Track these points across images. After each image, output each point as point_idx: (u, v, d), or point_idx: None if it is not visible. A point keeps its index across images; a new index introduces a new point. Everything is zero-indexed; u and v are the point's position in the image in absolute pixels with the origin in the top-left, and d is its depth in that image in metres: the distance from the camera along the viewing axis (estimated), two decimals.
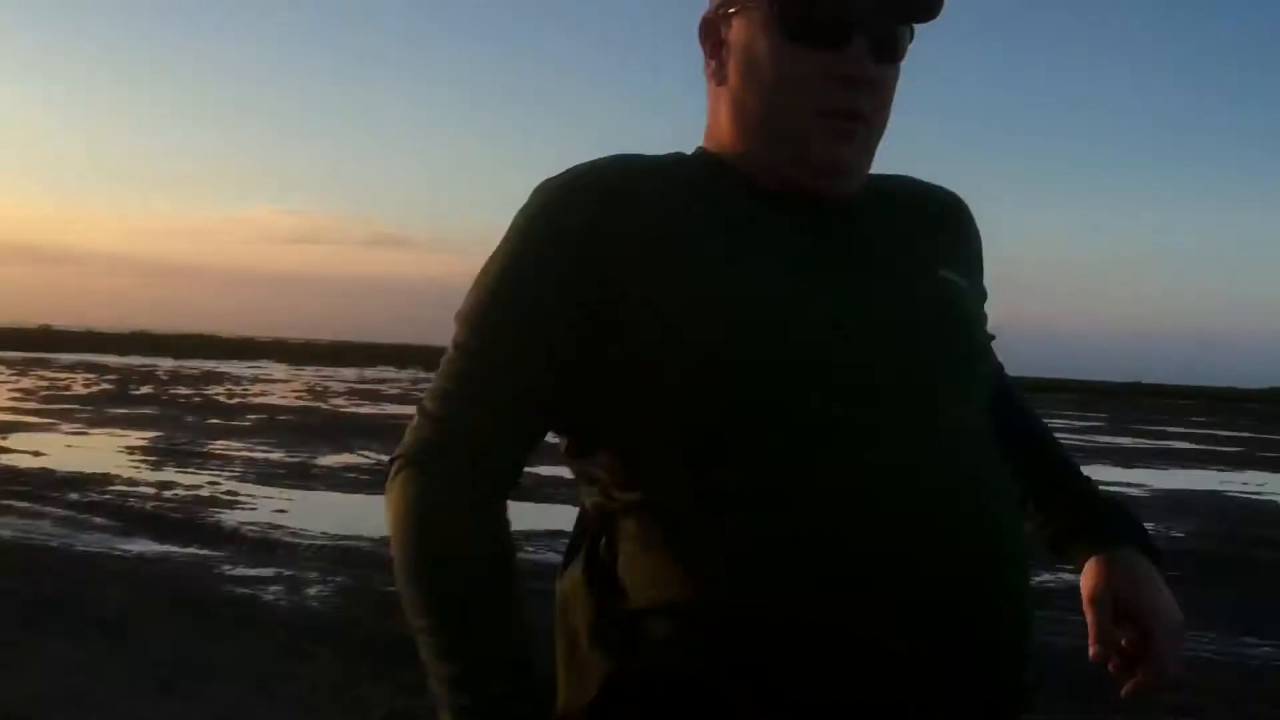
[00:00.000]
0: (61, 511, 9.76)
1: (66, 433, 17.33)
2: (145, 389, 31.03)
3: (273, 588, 7.15)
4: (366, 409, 27.22)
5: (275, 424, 20.72)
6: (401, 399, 32.55)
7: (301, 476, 13.18)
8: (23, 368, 41.52)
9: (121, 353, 66.33)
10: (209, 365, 54.92)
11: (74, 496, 10.54)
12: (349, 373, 54.64)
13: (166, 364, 53.52)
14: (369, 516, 10.63)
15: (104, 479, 11.87)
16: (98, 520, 9.46)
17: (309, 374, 50.73)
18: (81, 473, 12.23)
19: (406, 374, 56.99)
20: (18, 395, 26.02)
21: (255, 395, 30.71)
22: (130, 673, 5.19)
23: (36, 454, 14.01)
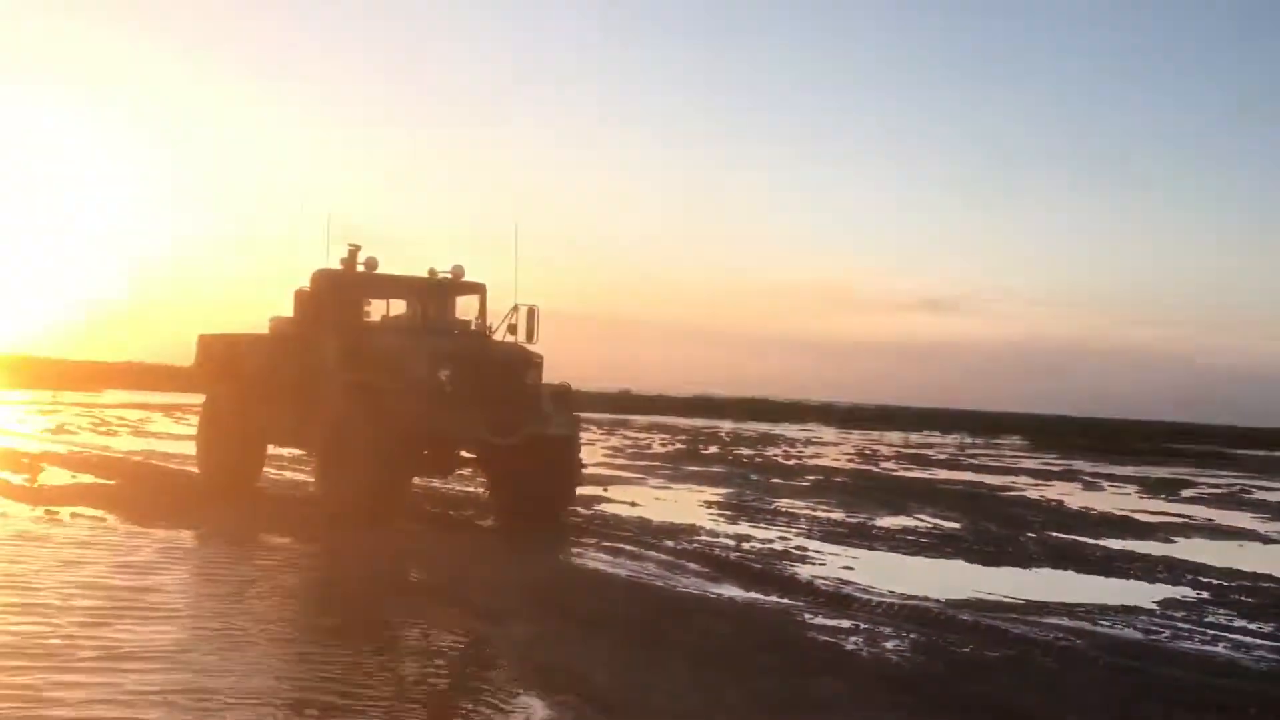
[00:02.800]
0: (661, 556, 11.09)
1: (653, 487, 19.48)
2: (712, 449, 33.79)
3: (853, 638, 7.65)
4: (916, 473, 27.49)
5: (831, 485, 21.67)
6: (949, 464, 32.42)
7: (863, 536, 13.74)
8: (609, 428, 47.05)
9: (687, 415, 72.59)
10: (764, 427, 58.36)
11: (669, 544, 11.91)
12: (894, 436, 55.31)
13: (726, 425, 57.70)
14: (934, 579, 10.89)
15: (691, 529, 13.25)
16: (692, 566, 10.63)
17: (856, 437, 52.07)
18: (672, 523, 13.74)
19: (952, 439, 56.46)
20: (609, 452, 29.60)
21: (810, 457, 32.20)
22: (742, 699, 5.89)
23: (633, 504, 15.96)
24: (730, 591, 9.39)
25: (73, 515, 11.34)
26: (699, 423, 60.21)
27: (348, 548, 10.45)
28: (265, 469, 15.50)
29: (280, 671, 6.12)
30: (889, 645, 7.48)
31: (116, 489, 13.90)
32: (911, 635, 7.79)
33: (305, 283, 13.73)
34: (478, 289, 14.33)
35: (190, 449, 17.98)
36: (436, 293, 14.29)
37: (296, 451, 16.14)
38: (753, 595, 9.27)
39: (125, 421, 29.27)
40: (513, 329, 13.78)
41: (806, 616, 8.39)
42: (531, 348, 13.49)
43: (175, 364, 65.57)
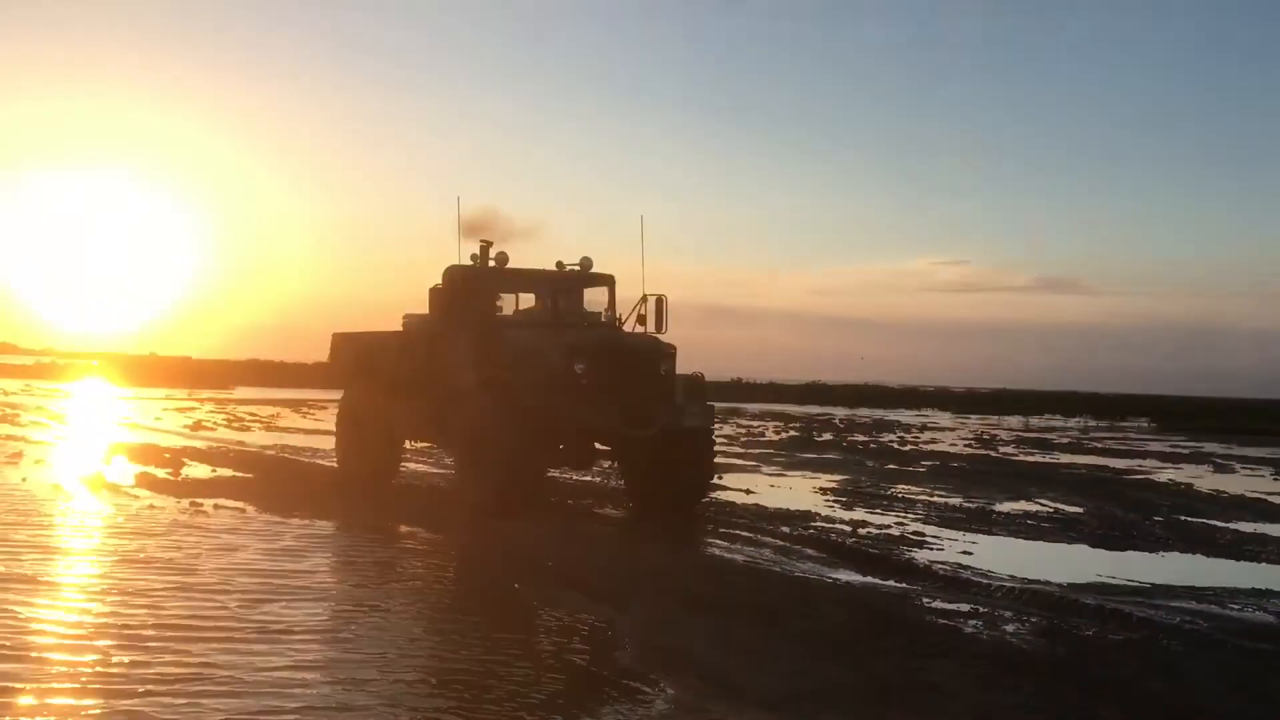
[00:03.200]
0: (777, 542, 11.18)
1: (768, 474, 19.54)
2: (826, 436, 33.60)
3: (971, 622, 7.64)
4: (1037, 457, 26.94)
5: (949, 470, 21.40)
6: (1072, 448, 31.65)
7: (981, 521, 13.60)
8: (722, 417, 47.10)
9: (800, 402, 72.11)
10: (879, 413, 57.69)
11: (785, 529, 11.99)
12: (1014, 420, 54.12)
13: (840, 412, 57.19)
14: (1056, 562, 10.77)
15: (806, 515, 13.30)
16: (808, 551, 10.70)
17: (974, 422, 51.12)
18: (787, 509, 13.80)
19: (1074, 423, 54.99)
20: (723, 441, 29.67)
21: (926, 443, 31.78)
22: (860, 679, 5.98)
23: (748, 492, 16.05)
24: (846, 576, 9.43)
25: (215, 506, 11.97)
26: (812, 410, 59.83)
27: (482, 537, 10.78)
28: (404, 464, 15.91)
29: (422, 645, 6.57)
30: (1009, 629, 7.46)
31: (254, 482, 14.56)
32: (1032, 619, 7.74)
33: (436, 279, 13.96)
34: (607, 280, 14.41)
35: (320, 443, 18.74)
36: (566, 285, 14.39)
37: (429, 446, 16.62)
38: (869, 580, 9.30)
39: (256, 417, 30.47)
40: (642, 319, 13.88)
41: (924, 600, 8.39)
42: (662, 338, 13.59)
43: (299, 361, 68.05)
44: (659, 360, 13.11)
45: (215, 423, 27.84)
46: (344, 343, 16.08)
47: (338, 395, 16.46)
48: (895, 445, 29.77)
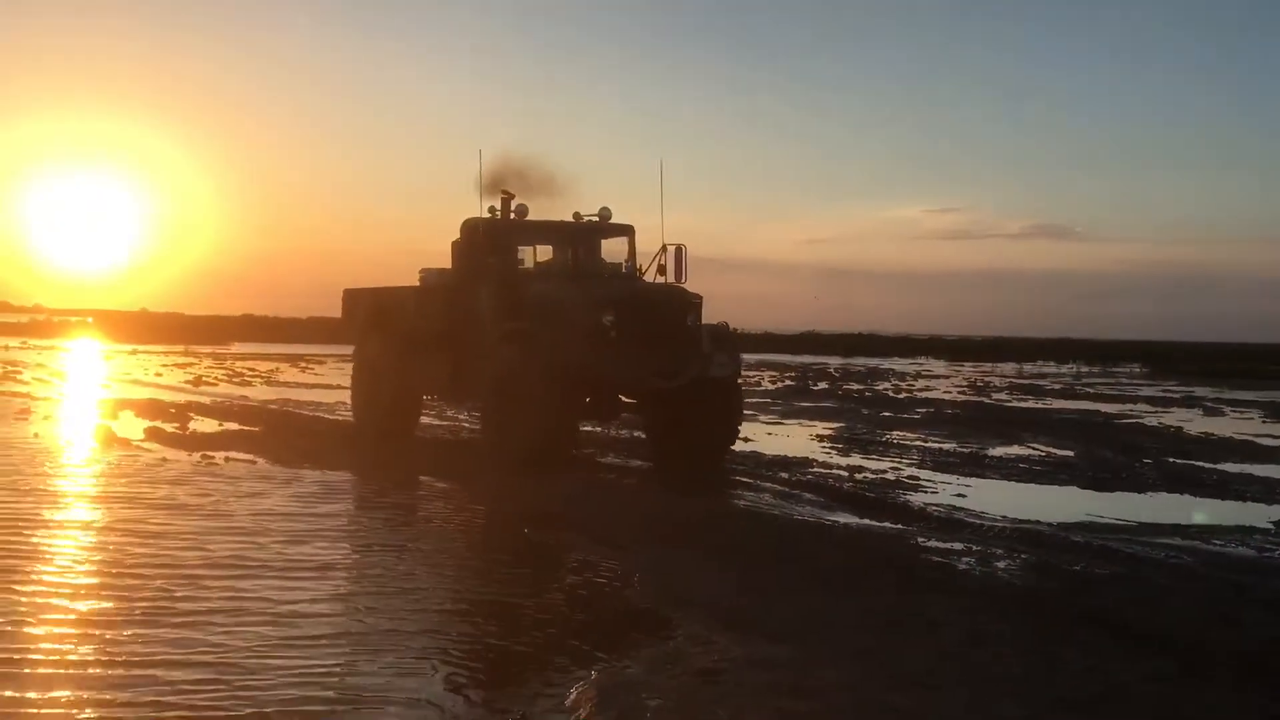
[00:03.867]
0: (776, 487, 11.49)
1: (765, 422, 19.82)
2: (822, 384, 33.94)
3: (964, 559, 7.97)
4: (1030, 403, 27.31)
5: (943, 417, 21.74)
6: (1064, 394, 32.03)
7: (975, 465, 13.94)
8: None
9: (795, 352, 72.46)
10: (873, 362, 58.05)
11: (784, 475, 12.30)
12: (1007, 368, 54.54)
13: (835, 361, 57.54)
14: (1047, 503, 11.10)
15: (804, 462, 13.61)
16: (807, 496, 11.01)
17: (968, 369, 51.51)
18: (785, 456, 14.12)
19: (1067, 369, 55.42)
20: None
21: (920, 390, 32.14)
22: (858, 613, 6.29)
23: (745, 440, 16.27)
24: (844, 519, 9.75)
25: (226, 459, 12.24)
26: (807, 359, 60.14)
27: (500, 487, 11.03)
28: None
29: (451, 580, 7.12)
30: (1000, 565, 7.78)
31: (262, 435, 14.83)
32: (1023, 556, 8.06)
33: (454, 234, 13.91)
34: (626, 231, 14.32)
35: (323, 397, 18.98)
36: (585, 236, 14.25)
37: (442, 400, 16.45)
38: (866, 522, 9.61)
39: (256, 372, 30.68)
40: (662, 270, 13.76)
41: (919, 540, 8.71)
42: (688, 289, 13.44)
43: (293, 316, 68.10)
44: (686, 311, 12.99)
45: (216, 378, 28.06)
46: (357, 298, 16.02)
47: (337, 350, 16.64)
48: (890, 393, 30.12)
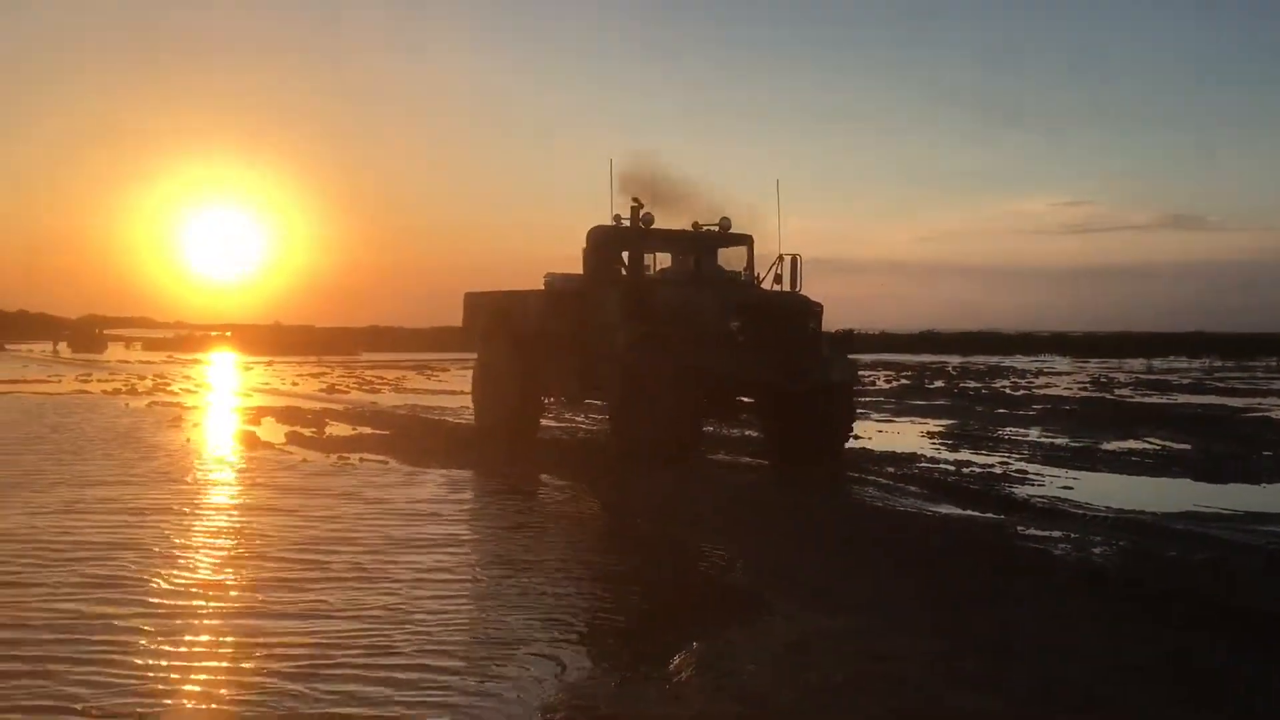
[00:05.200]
0: (882, 481, 11.79)
1: (876, 420, 20.01)
2: (937, 383, 33.73)
3: (1061, 545, 8.19)
4: (1154, 399, 26.77)
5: (1059, 413, 21.56)
6: (1192, 389, 31.22)
7: (1086, 459, 13.95)
8: None
9: (913, 352, 71.65)
10: (993, 360, 57.12)
11: (890, 469, 12.58)
12: (1136, 363, 53.09)
13: (954, 360, 56.81)
14: (1154, 495, 11.16)
15: (912, 457, 13.85)
16: (911, 489, 11.29)
17: (1092, 366, 50.33)
18: (893, 452, 14.36)
19: (1199, 364, 53.65)
20: None
21: (1039, 387, 31.71)
22: (946, 592, 6.63)
23: (856, 437, 16.53)
24: (946, 510, 10.02)
25: (361, 460, 13.09)
26: (925, 358, 59.50)
27: (619, 483, 11.62)
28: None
29: (567, 559, 7.74)
30: (1095, 551, 7.98)
31: (392, 438, 15.72)
32: (1120, 543, 8.24)
33: (570, 240, 14.89)
34: (745, 240, 14.85)
35: (447, 402, 19.88)
36: (707, 244, 14.92)
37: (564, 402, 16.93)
38: (968, 512, 9.87)
39: (384, 380, 32.01)
40: (778, 278, 14.30)
41: (1018, 528, 8.95)
42: (813, 298, 13.87)
43: (416, 326, 70.17)
44: (808, 317, 13.55)
45: (347, 386, 29.41)
46: (479, 302, 16.62)
47: (460, 357, 17.46)
48: (1007, 390, 29.82)
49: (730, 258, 15.07)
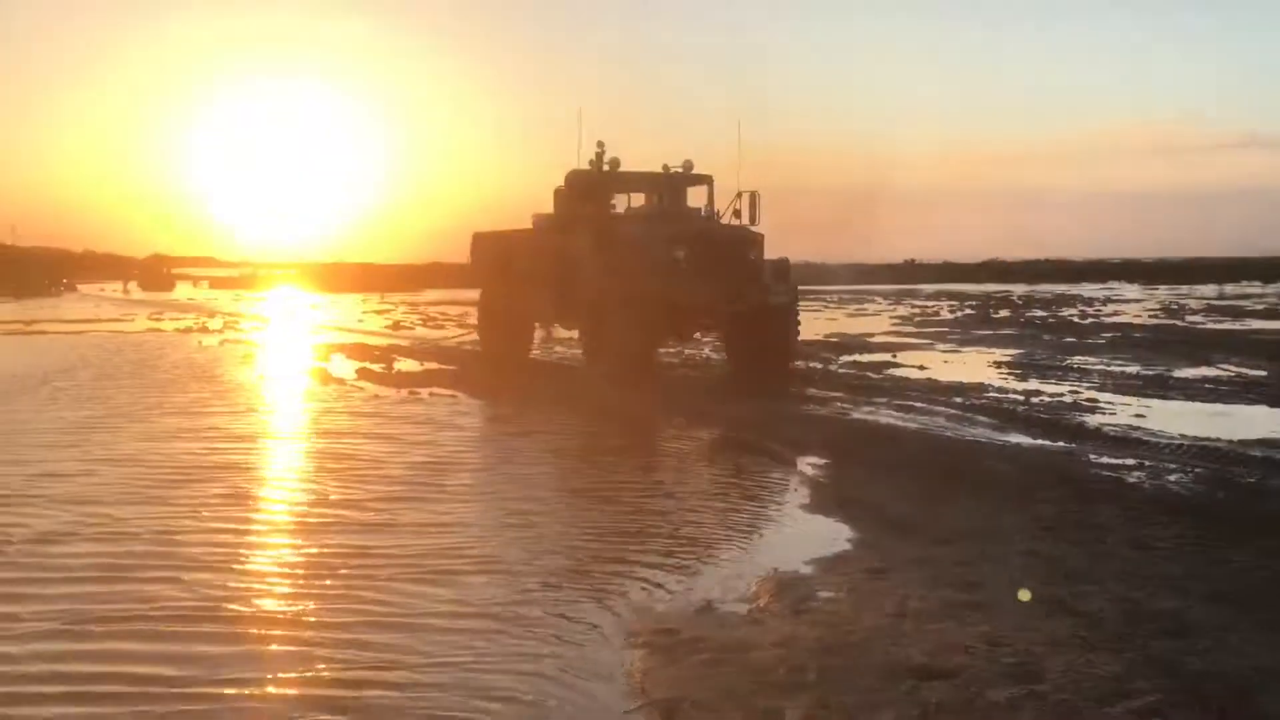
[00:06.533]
0: (950, 411, 11.73)
1: (942, 351, 19.87)
2: (1003, 313, 33.29)
3: (1135, 473, 8.14)
4: (1227, 324, 26.21)
5: (1129, 341, 21.22)
6: (1267, 314, 30.49)
7: (1158, 387, 13.76)
8: (895, 298, 46.93)
9: (977, 281, 70.63)
10: (1060, 289, 56.17)
11: (958, 400, 12.51)
12: (1208, 289, 51.89)
13: (1019, 289, 55.93)
14: (1229, 422, 10.99)
15: (979, 387, 13.74)
16: (980, 419, 11.22)
17: (1163, 293, 49.30)
18: (960, 382, 14.26)
19: (1273, 288, 52.30)
20: (897, 321, 29.93)
21: (1108, 315, 31.19)
22: (1023, 520, 6.64)
23: (921, 368, 16.53)
24: (1016, 439, 9.96)
25: (430, 394, 13.31)
26: (989, 288, 58.64)
27: (694, 412, 11.75)
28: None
29: (650, 484, 7.70)
30: (1171, 479, 7.92)
31: (459, 373, 15.95)
32: (1196, 470, 8.17)
33: (560, 182, 16.08)
34: (705, 180, 16.36)
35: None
36: (670, 185, 16.34)
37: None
38: (1039, 442, 9.80)
39: (447, 316, 32.32)
40: (737, 214, 15.75)
41: (1091, 457, 8.89)
42: (754, 229, 15.51)
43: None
44: (747, 247, 15.20)
45: (412, 322, 29.75)
46: (483, 241, 18.41)
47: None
48: (1075, 319, 29.37)
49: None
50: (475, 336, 19.59)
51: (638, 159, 16.65)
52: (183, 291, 61.30)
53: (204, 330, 26.02)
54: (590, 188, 15.90)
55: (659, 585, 5.49)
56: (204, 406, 12.12)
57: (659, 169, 16.33)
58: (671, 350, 18.22)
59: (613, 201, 16.32)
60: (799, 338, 16.14)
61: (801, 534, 6.53)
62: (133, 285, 65.64)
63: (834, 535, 6.45)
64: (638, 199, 16.66)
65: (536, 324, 17.83)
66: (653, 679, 4.24)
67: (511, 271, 16.92)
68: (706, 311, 15.07)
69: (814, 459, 8.92)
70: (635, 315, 14.11)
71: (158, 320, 30.36)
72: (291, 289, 62.62)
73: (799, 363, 16.78)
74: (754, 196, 15.63)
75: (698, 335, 16.99)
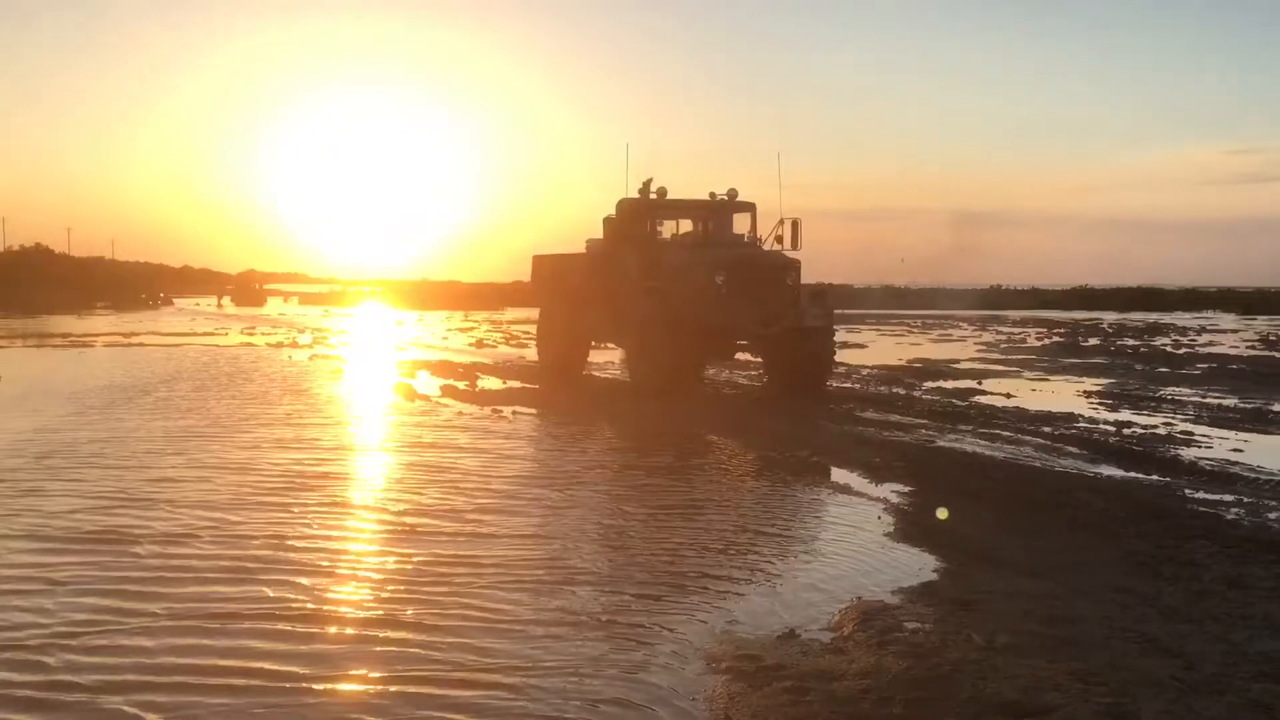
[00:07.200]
0: (1038, 440, 11.50)
1: (1029, 379, 19.50)
2: (1092, 340, 32.56)
3: (1233, 510, 7.89)
4: None
5: (1226, 372, 20.60)
6: None
7: (1257, 420, 13.33)
8: (980, 324, 46.19)
9: (1065, 308, 69.19)
10: (1152, 317, 54.77)
11: (1046, 429, 12.26)
12: None
13: (1110, 317, 54.67)
14: None
15: (1069, 417, 13.45)
16: (1070, 449, 10.98)
17: (1261, 323, 47.78)
18: (1049, 411, 13.98)
19: None
20: (982, 347, 29.46)
21: (1203, 345, 30.32)
22: (1116, 555, 6.47)
23: (1008, 395, 16.25)
24: (1108, 471, 9.72)
25: (514, 412, 13.43)
26: (1079, 315, 57.44)
27: (765, 437, 11.71)
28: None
29: (731, 501, 7.59)
30: (1272, 516, 7.66)
31: (541, 392, 16.10)
32: None
33: (612, 211, 17.06)
34: (749, 207, 17.14)
35: (593, 356, 20.24)
36: (716, 212, 17.20)
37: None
38: (1131, 475, 9.55)
39: (530, 335, 32.58)
40: (779, 239, 16.50)
41: (1186, 492, 8.64)
42: (792, 254, 16.22)
43: None
44: (785, 272, 15.87)
45: (495, 340, 30.09)
46: (542, 263, 19.39)
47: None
48: (1168, 349, 28.61)
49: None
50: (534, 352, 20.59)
51: (708, 186, 17.42)
52: (273, 307, 62.76)
53: (294, 345, 26.63)
54: (638, 215, 16.86)
55: (741, 608, 5.47)
56: (300, 419, 12.52)
57: (706, 196, 17.17)
58: (724, 368, 19.25)
59: (660, 228, 17.22)
60: (834, 360, 16.85)
61: (886, 562, 6.44)
62: (226, 300, 67.29)
63: (919, 565, 6.36)
64: (686, 225, 17.51)
65: (591, 342, 18.63)
66: (736, 706, 4.22)
67: (567, 292, 17.96)
68: (744, 334, 15.86)
69: (898, 486, 8.81)
70: (676, 337, 14.95)
71: (250, 335, 31.15)
72: (377, 305, 63.76)
73: (884, 388, 16.65)
74: (796, 223, 16.38)
75: (742, 356, 17.59)
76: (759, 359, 17.16)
